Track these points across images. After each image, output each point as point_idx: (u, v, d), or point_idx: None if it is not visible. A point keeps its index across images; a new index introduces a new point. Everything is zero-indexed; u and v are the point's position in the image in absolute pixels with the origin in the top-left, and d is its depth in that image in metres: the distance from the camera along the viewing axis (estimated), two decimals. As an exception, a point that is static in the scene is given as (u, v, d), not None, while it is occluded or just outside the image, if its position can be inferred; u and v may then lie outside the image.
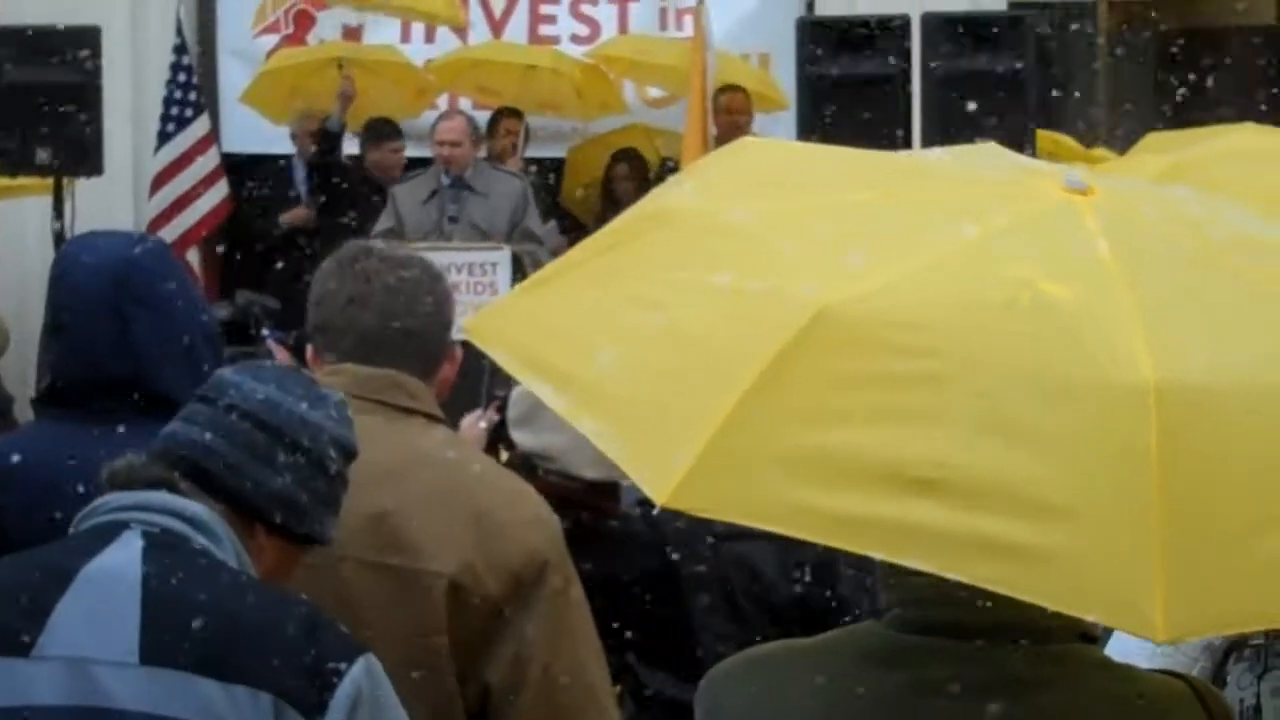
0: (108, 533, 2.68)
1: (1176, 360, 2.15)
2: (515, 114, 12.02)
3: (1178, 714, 2.42)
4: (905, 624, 2.37)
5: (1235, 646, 3.92)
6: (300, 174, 11.91)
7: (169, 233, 11.54)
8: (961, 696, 2.32)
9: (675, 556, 4.37)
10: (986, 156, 2.66)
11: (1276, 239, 2.48)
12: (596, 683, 3.30)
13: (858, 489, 2.10)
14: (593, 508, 4.12)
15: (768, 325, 2.20)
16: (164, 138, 12.03)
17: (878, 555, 2.14)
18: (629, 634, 4.16)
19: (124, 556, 2.64)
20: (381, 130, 11.72)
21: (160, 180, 11.99)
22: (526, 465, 4.16)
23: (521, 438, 4.21)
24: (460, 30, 12.91)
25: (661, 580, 4.30)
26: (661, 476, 2.14)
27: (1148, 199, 2.57)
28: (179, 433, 2.77)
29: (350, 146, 11.81)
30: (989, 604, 2.25)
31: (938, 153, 2.76)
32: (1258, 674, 4.01)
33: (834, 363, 2.17)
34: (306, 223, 11.51)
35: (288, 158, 12.09)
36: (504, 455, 4.27)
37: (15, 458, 3.49)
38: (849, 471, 2.11)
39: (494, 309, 2.67)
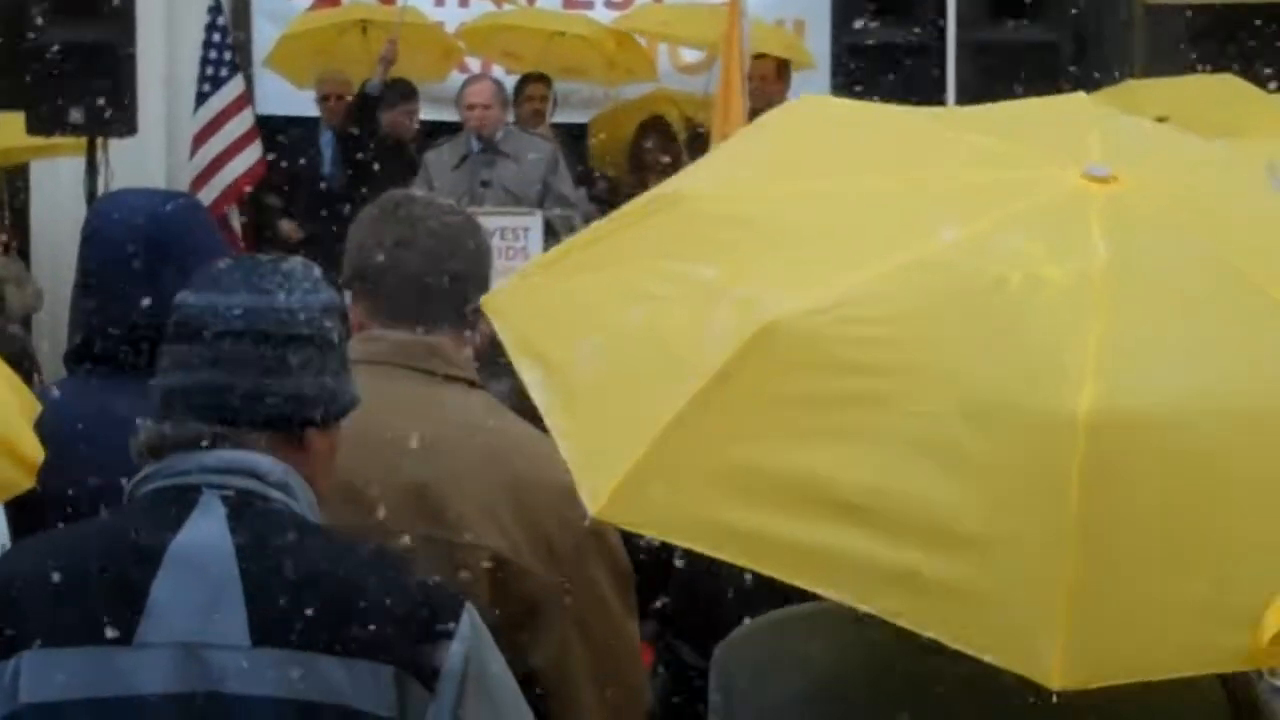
0: (180, 500, 2.59)
1: (1126, 386, 2.07)
2: (542, 79, 11.98)
3: (1196, 681, 2.42)
4: None
5: None
6: (326, 138, 11.90)
7: (208, 193, 11.58)
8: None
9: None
10: (1034, 127, 2.57)
11: None
12: (630, 661, 3.30)
13: (786, 512, 2.07)
14: None
15: (720, 334, 2.16)
16: (201, 99, 12.08)
17: (797, 582, 2.10)
18: (658, 602, 4.17)
19: (210, 528, 2.55)
20: (396, 91, 11.70)
21: (198, 141, 12.04)
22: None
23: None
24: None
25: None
26: (598, 487, 2.13)
27: (1174, 181, 2.46)
28: (183, 384, 2.63)
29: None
30: None
31: (993, 117, 2.65)
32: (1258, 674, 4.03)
33: (778, 378, 2.13)
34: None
35: (318, 120, 12.10)
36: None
37: (49, 413, 3.49)
38: (779, 493, 2.08)
39: (510, 285, 2.62)
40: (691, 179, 2.55)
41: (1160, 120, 7.33)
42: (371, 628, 2.51)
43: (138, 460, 2.65)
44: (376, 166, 11.00)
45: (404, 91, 11.66)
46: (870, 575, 2.05)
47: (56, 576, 2.55)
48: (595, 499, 2.14)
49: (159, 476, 2.62)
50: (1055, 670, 1.97)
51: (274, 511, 2.60)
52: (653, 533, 2.17)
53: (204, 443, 2.60)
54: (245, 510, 2.58)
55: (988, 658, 2.02)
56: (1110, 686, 2.23)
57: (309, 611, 2.51)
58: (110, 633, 2.50)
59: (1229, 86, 8.81)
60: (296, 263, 2.73)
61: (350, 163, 11.35)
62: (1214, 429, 2.08)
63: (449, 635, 2.54)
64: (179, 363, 2.65)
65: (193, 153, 12.03)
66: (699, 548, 2.12)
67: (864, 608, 2.06)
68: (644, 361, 2.24)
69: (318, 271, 2.73)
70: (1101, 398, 2.05)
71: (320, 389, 2.66)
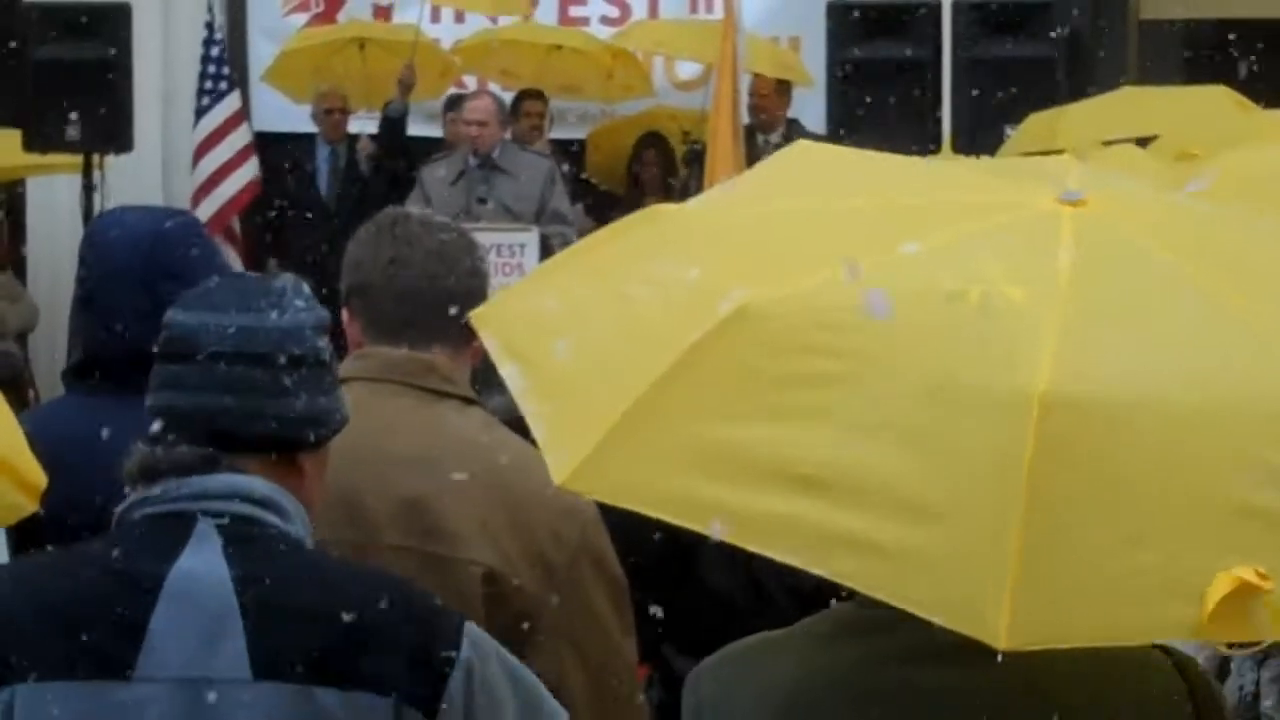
0: (174, 527, 2.55)
1: (1080, 372, 2.14)
2: (538, 96, 12.02)
3: (1155, 678, 2.46)
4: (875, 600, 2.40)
5: None
6: (322, 153, 11.93)
7: (206, 208, 11.61)
8: (921, 660, 2.36)
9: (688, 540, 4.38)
10: (1018, 168, 2.65)
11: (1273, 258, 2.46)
12: (626, 679, 3.29)
13: (742, 483, 2.15)
14: None
15: (693, 319, 2.24)
16: (199, 113, 12.13)
17: (751, 547, 2.16)
18: (656, 615, 4.16)
19: (207, 558, 2.52)
20: (457, 103, 11.87)
21: (196, 156, 12.09)
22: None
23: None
24: (493, 13, 12.90)
25: (661, 561, 4.32)
26: (566, 459, 2.21)
27: (1146, 208, 2.54)
28: (177, 405, 2.60)
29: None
30: None
31: (980, 163, 2.78)
32: (1258, 661, 4.06)
33: (743, 358, 2.21)
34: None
35: (313, 136, 12.12)
36: None
37: (47, 430, 3.50)
38: (737, 466, 2.16)
39: (496, 299, 2.71)
40: (674, 204, 2.64)
41: (1153, 138, 7.37)
42: (371, 658, 2.50)
43: (129, 484, 2.62)
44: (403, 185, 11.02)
45: (451, 102, 11.87)
46: (821, 539, 2.12)
47: (50, 606, 2.53)
48: (560, 470, 2.21)
49: (152, 503, 2.58)
50: (1002, 631, 2.02)
51: (270, 538, 2.57)
52: (613, 500, 2.23)
53: (198, 467, 2.58)
54: (241, 538, 2.55)
55: (936, 619, 2.07)
56: (1076, 684, 2.35)
57: (309, 643, 2.49)
58: (108, 666, 2.48)
59: (1221, 100, 8.83)
60: (288, 279, 2.70)
61: (391, 181, 11.32)
62: (1165, 412, 2.16)
63: (450, 663, 2.53)
64: (171, 382, 2.62)
65: (194, 165, 12.10)
66: (656, 514, 2.19)
67: (816, 571, 2.12)
68: (618, 347, 2.32)
69: (307, 288, 2.70)
70: (1056, 381, 2.13)
71: (314, 410, 2.63)
